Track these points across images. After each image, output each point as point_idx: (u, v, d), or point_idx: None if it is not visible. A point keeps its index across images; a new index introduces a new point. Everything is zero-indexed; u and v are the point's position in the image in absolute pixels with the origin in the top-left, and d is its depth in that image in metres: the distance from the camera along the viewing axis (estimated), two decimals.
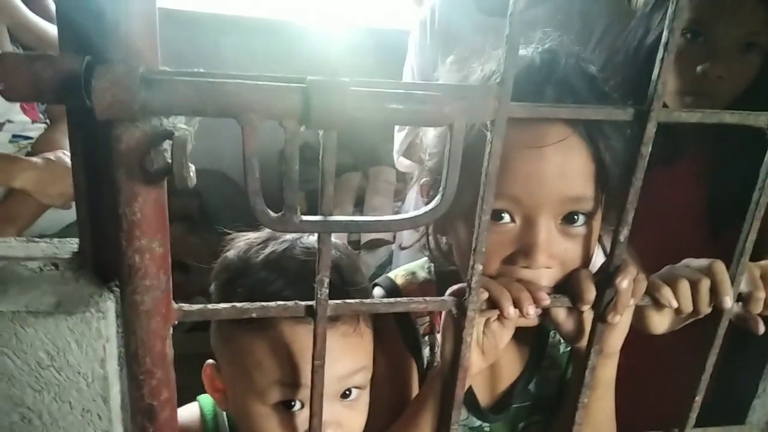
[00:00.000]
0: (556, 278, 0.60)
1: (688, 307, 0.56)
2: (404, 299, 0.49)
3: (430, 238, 0.73)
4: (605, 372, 0.61)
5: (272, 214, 0.40)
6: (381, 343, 0.68)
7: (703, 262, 0.59)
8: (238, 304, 0.46)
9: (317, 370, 0.48)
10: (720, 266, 0.57)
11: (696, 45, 0.91)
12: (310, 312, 0.47)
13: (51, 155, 1.30)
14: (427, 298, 0.50)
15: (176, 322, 0.45)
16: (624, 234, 0.49)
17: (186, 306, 0.45)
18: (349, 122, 0.37)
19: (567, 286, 0.56)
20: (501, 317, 0.56)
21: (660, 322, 0.61)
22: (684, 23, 0.95)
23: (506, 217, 0.60)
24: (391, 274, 0.78)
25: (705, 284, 0.56)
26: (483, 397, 0.75)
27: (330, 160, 0.41)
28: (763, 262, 0.59)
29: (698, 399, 0.58)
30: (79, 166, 0.44)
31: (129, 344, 0.44)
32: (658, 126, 0.46)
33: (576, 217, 0.61)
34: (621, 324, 0.57)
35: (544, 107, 0.46)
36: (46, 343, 0.42)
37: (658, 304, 0.56)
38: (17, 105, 1.38)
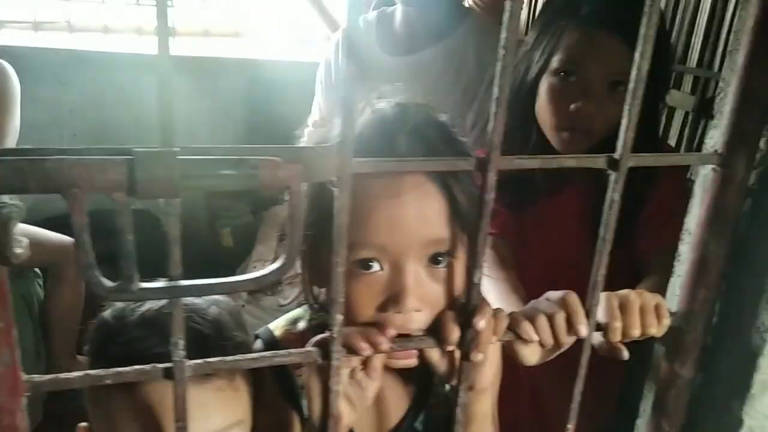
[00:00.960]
0: (427, 320, 0.62)
1: (547, 339, 0.59)
2: (267, 353, 0.50)
3: (307, 290, 0.74)
4: (480, 407, 0.63)
5: (109, 283, 0.40)
6: (259, 396, 0.68)
7: (558, 294, 0.62)
8: (92, 372, 0.46)
9: None
10: (573, 298, 0.60)
11: (569, 84, 0.97)
12: (168, 374, 0.46)
13: None
14: (292, 350, 0.51)
15: (27, 395, 0.44)
16: (477, 276, 0.51)
17: (36, 377, 0.45)
18: (178, 191, 0.38)
19: (435, 328, 0.58)
20: (365, 366, 0.58)
21: (530, 354, 0.64)
22: (558, 63, 1.02)
23: (375, 266, 0.62)
24: (272, 325, 0.79)
25: (560, 317, 0.59)
26: None
27: (174, 225, 0.42)
28: (621, 292, 0.62)
29: (570, 427, 0.60)
30: None
31: None
32: None
33: (440, 258, 0.63)
34: (489, 360, 0.59)
35: (389, 162, 0.48)
36: None
37: (523, 339, 0.58)
38: None
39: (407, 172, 0.59)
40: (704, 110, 1.68)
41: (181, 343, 0.45)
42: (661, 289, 0.95)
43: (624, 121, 0.51)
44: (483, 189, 0.48)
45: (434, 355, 0.60)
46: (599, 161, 0.52)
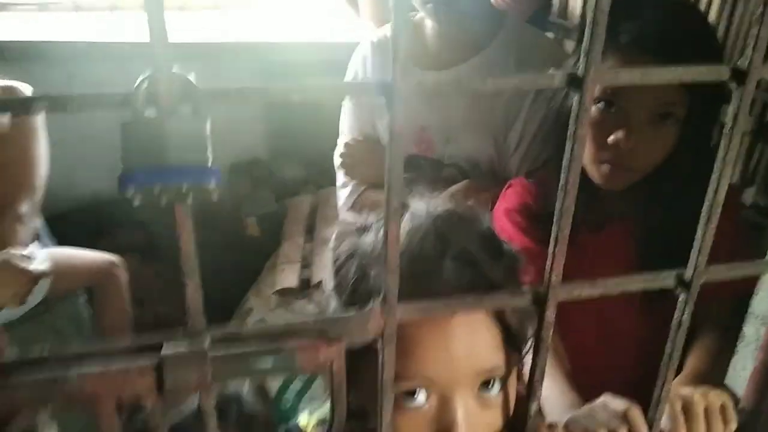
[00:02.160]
0: None
1: None
2: None
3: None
4: None
5: None
6: None
7: (619, 405, 0.58)
8: None
9: None
10: (635, 413, 0.56)
11: (609, 114, 0.90)
12: None
13: None
14: None
15: None
16: (534, 407, 0.48)
17: None
18: (210, 387, 0.35)
19: None
20: None
21: None
22: (598, 92, 0.94)
23: (420, 397, 0.58)
24: (303, 419, 0.76)
25: None
26: None
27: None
28: (685, 392, 0.58)
29: None
30: None
31: None
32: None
33: (491, 383, 0.60)
34: None
35: (436, 304, 0.44)
36: None
37: None
38: None
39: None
40: (763, 133, 1.54)
41: None
42: (717, 353, 0.90)
43: (699, 233, 0.45)
44: (541, 316, 0.44)
45: None
46: (667, 280, 0.47)
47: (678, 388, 0.58)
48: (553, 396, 0.85)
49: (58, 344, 0.36)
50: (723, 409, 0.56)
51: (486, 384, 0.60)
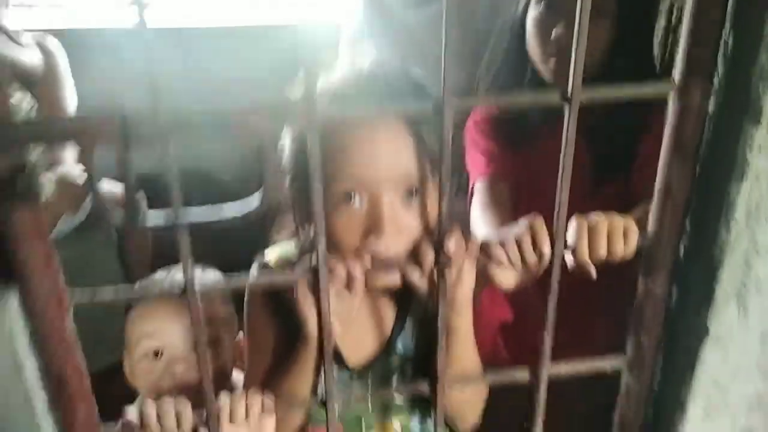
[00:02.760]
0: (404, 248, 0.71)
1: (515, 260, 0.65)
2: (267, 274, 0.59)
3: (300, 230, 0.83)
4: (461, 322, 0.72)
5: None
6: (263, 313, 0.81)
7: (527, 220, 0.68)
8: (122, 286, 0.57)
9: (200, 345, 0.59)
10: (538, 221, 0.67)
11: (550, 12, 1.00)
12: (185, 292, 0.56)
13: (54, 175, 1.53)
14: (288, 273, 0.60)
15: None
16: (444, 205, 0.58)
17: (78, 290, 0.56)
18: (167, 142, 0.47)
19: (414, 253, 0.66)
20: (348, 287, 0.67)
21: (505, 277, 0.71)
22: None
23: (356, 200, 0.71)
24: (269, 256, 0.88)
25: (526, 239, 0.66)
26: (351, 355, 0.86)
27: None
28: (591, 216, 0.67)
29: (547, 337, 0.67)
30: None
31: (31, 328, 0.54)
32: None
33: (414, 191, 0.71)
34: (464, 280, 0.66)
35: (354, 110, 0.55)
36: None
37: (495, 262, 0.65)
38: None
39: (380, 117, 0.67)
40: None
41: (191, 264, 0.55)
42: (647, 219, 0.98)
43: (573, 53, 0.54)
44: (441, 128, 0.54)
45: (415, 275, 0.68)
46: (553, 97, 0.56)
47: None
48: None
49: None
50: (626, 230, 0.65)
51: (409, 195, 0.72)
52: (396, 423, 0.90)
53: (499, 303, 1.18)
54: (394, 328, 0.87)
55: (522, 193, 1.06)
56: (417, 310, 0.87)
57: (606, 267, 0.71)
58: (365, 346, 0.87)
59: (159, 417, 0.65)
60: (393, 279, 0.68)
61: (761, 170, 0.56)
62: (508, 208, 1.02)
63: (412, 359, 0.87)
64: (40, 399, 0.57)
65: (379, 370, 0.87)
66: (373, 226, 0.70)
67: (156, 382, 1.00)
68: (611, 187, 1.04)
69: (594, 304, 1.05)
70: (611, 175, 1.01)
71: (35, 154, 1.47)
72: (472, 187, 1.07)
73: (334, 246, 0.73)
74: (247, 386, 0.82)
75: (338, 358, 0.86)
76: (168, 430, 0.65)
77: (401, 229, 0.70)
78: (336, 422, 0.87)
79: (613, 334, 1.16)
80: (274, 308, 0.84)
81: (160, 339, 1.00)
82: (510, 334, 1.17)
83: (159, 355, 1.00)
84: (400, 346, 0.88)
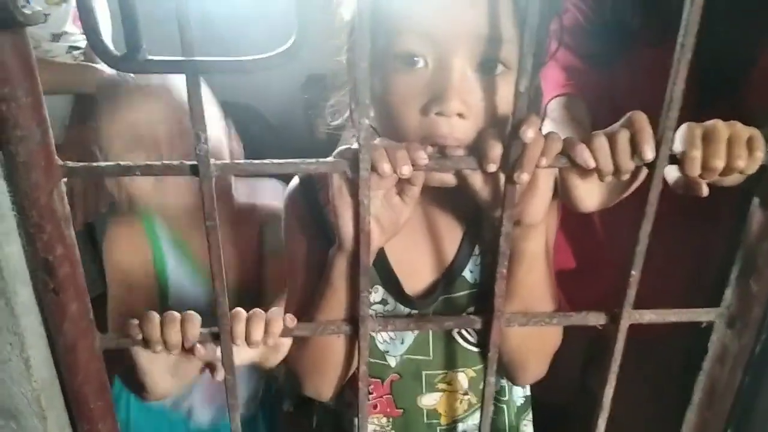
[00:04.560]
0: (472, 133, 0.56)
1: (607, 164, 0.51)
2: (295, 160, 0.48)
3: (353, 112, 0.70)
4: (529, 244, 0.58)
5: (115, 52, 0.39)
6: (298, 232, 0.68)
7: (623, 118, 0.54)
8: (123, 162, 0.47)
9: (210, 231, 0.49)
10: (639, 115, 0.52)
11: None
12: (195, 171, 0.46)
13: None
14: (319, 159, 0.49)
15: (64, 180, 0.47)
16: (524, 84, 0.46)
17: (70, 163, 0.46)
18: None
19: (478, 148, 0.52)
20: (401, 188, 0.55)
21: (587, 193, 0.57)
22: None
23: (420, 62, 0.57)
24: None
25: (623, 136, 0.51)
26: (410, 285, 0.73)
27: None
28: (708, 123, 0.53)
29: (635, 274, 0.55)
30: None
31: (14, 197, 0.45)
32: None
33: (495, 67, 0.57)
34: (539, 190, 0.53)
35: None
36: None
37: (579, 169, 0.51)
38: (71, 17, 1.58)
39: None
40: None
41: (203, 136, 0.45)
42: None
43: None
44: None
45: (476, 180, 0.55)
46: None
47: None
48: None
49: None
50: (750, 139, 0.51)
51: (487, 66, 0.57)
52: (461, 375, 0.77)
53: (558, 247, 1.05)
54: (459, 253, 0.73)
55: (605, 117, 0.91)
56: (487, 230, 0.72)
57: (699, 201, 0.58)
58: (423, 273, 0.73)
59: (162, 330, 0.55)
60: (449, 178, 0.56)
61: None
62: (588, 130, 0.88)
63: (481, 294, 0.73)
64: (21, 291, 0.49)
65: (445, 306, 0.73)
66: (437, 95, 0.56)
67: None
68: (710, 114, 0.89)
69: (679, 246, 0.91)
70: (710, 101, 0.86)
71: None
72: (545, 106, 0.93)
73: (388, 129, 0.60)
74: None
75: (394, 285, 0.72)
76: (171, 346, 0.55)
77: (470, 105, 0.56)
78: (390, 371, 0.76)
79: (691, 288, 1.03)
80: (313, 224, 0.71)
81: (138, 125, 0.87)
82: (569, 287, 1.04)
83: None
84: (469, 276, 0.73)
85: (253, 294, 0.99)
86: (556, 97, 0.92)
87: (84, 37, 1.56)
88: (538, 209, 0.55)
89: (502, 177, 0.51)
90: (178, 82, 0.92)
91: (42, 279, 0.48)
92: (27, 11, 0.37)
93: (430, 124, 0.57)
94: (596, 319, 0.58)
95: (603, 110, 0.89)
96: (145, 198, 0.93)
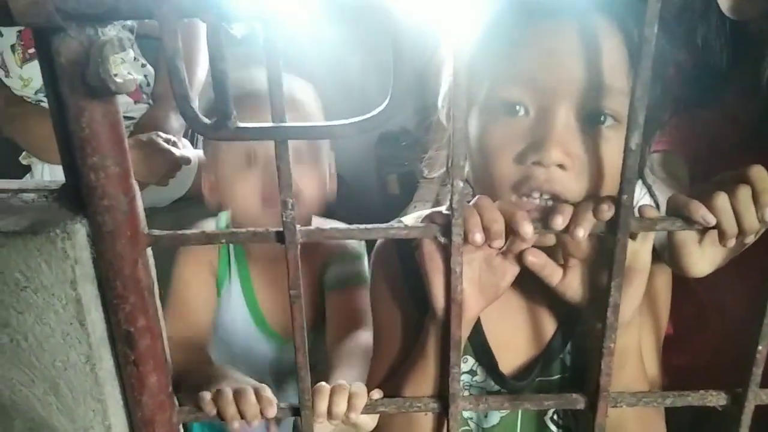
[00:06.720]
0: (573, 187, 0.52)
1: (730, 224, 0.45)
2: (382, 225, 0.45)
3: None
4: (618, 339, 0.50)
5: (205, 120, 0.38)
6: (388, 295, 0.64)
7: (736, 171, 0.48)
8: (208, 230, 0.45)
9: (294, 300, 0.46)
10: (760, 170, 0.46)
11: None
12: (281, 239, 0.44)
13: (144, 137, 1.39)
14: (410, 224, 0.46)
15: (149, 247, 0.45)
16: (634, 140, 0.42)
17: (156, 231, 0.45)
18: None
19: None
20: (507, 249, 0.50)
21: (700, 257, 0.51)
22: None
23: (521, 110, 0.54)
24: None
25: (745, 192, 0.45)
26: (503, 360, 0.67)
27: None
28: None
29: (762, 349, 0.48)
30: (50, 96, 0.45)
31: (98, 267, 0.44)
32: None
33: (603, 118, 0.53)
34: (639, 259, 0.48)
35: None
36: (19, 262, 0.43)
37: (693, 227, 0.45)
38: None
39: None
40: None
41: (290, 202, 0.43)
42: None
43: None
44: (643, 22, 0.39)
45: (548, 267, 0.51)
46: None
47: None
48: None
49: None
50: None
51: (594, 117, 0.53)
52: None
53: None
54: (555, 335, 0.67)
55: (701, 166, 0.83)
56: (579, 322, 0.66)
57: None
58: (519, 349, 0.68)
59: (237, 401, 0.52)
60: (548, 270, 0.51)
61: None
62: (686, 186, 0.81)
63: (573, 382, 0.67)
64: (105, 357, 0.47)
65: (540, 388, 0.67)
66: (536, 143, 0.52)
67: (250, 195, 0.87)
68: None
69: None
70: None
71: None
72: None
73: (480, 175, 0.57)
74: (369, 383, 0.64)
75: (488, 360, 0.67)
76: (250, 419, 0.52)
77: (573, 157, 0.51)
78: None
79: None
80: (405, 286, 0.66)
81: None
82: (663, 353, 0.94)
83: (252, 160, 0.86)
84: (568, 358, 0.67)
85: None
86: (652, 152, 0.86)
87: (138, 107, 1.57)
88: (640, 280, 0.49)
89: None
90: (308, 97, 0.93)
91: (123, 351, 0.46)
92: (119, 80, 0.36)
93: (526, 172, 0.53)
94: (716, 399, 0.51)
95: (700, 160, 0.83)
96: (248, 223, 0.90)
